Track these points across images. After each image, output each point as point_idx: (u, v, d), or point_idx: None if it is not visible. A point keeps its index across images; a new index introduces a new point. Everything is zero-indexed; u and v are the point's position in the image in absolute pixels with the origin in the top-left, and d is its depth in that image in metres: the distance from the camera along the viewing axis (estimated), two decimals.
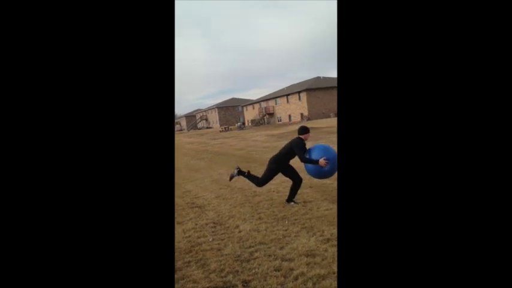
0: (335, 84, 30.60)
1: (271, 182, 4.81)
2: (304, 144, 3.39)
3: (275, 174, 3.53)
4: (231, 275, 2.01)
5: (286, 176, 3.56)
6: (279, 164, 3.48)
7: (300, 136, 3.41)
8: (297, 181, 3.49)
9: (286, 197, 3.56)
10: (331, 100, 29.94)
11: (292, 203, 3.47)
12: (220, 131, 30.31)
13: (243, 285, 1.89)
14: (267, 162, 3.63)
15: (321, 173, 3.31)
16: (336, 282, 1.80)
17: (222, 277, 2.00)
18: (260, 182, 3.58)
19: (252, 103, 40.71)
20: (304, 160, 3.28)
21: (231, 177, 3.74)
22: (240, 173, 3.64)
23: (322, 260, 2.09)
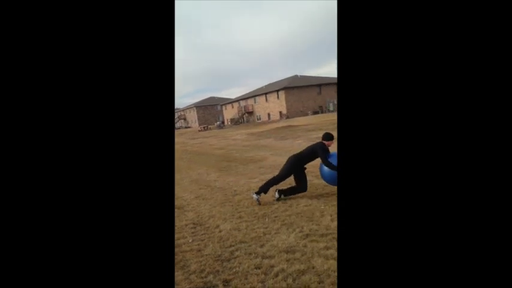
0: (312, 82, 31.20)
1: (251, 180, 4.85)
2: (328, 149, 3.49)
3: (292, 171, 3.57)
4: (211, 275, 1.99)
5: (296, 177, 3.59)
6: (297, 164, 3.55)
7: (323, 141, 3.50)
8: (301, 187, 3.54)
9: (281, 189, 3.59)
10: (309, 98, 30.48)
11: (278, 197, 3.51)
12: (199, 131, 29.95)
13: (224, 285, 1.88)
14: (286, 160, 3.69)
15: (336, 180, 3.39)
16: (315, 277, 1.84)
17: (202, 278, 1.98)
18: (277, 179, 3.60)
19: (231, 102, 40.56)
20: (327, 163, 3.33)
21: (259, 202, 3.49)
22: (258, 193, 3.53)
23: (302, 255, 2.12)
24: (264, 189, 3.55)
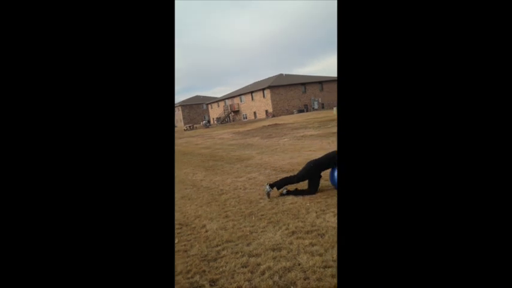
0: (297, 81, 31.44)
1: (238, 179, 4.85)
2: None
3: (309, 176, 3.58)
4: (198, 276, 1.98)
5: (309, 181, 3.61)
6: (315, 169, 3.56)
7: None
8: (310, 190, 3.55)
9: (287, 189, 3.63)
10: (294, 97, 30.71)
11: (285, 191, 3.56)
12: (184, 130, 29.60)
13: (211, 285, 1.88)
14: (305, 164, 3.71)
15: None
16: (301, 274, 1.86)
17: (188, 278, 1.97)
18: (294, 181, 3.63)
19: (216, 101, 40.29)
20: None
21: (269, 194, 3.56)
22: (271, 186, 3.59)
23: (288, 252, 2.15)
24: (277, 184, 3.61)
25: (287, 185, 3.64)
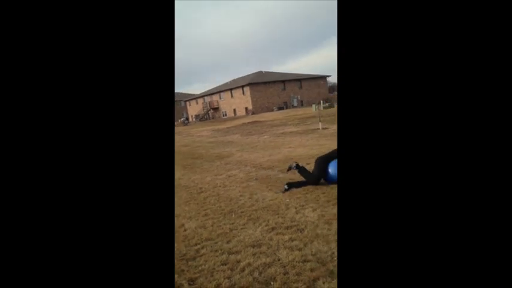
0: (276, 78, 31.68)
1: (217, 177, 4.81)
2: None
3: (323, 170, 3.62)
4: (176, 275, 1.94)
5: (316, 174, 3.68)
6: (325, 164, 3.60)
7: None
8: (311, 182, 3.60)
9: (289, 183, 3.65)
10: (274, 94, 30.92)
11: (286, 186, 3.58)
12: None
13: (189, 284, 1.84)
14: (315, 163, 3.72)
15: None
16: (280, 269, 1.87)
17: None
18: (309, 177, 3.66)
19: (195, 98, 39.75)
20: None
21: (289, 169, 3.98)
22: (297, 167, 3.81)
23: (268, 248, 2.15)
24: (300, 169, 3.79)
25: (305, 186, 3.63)
